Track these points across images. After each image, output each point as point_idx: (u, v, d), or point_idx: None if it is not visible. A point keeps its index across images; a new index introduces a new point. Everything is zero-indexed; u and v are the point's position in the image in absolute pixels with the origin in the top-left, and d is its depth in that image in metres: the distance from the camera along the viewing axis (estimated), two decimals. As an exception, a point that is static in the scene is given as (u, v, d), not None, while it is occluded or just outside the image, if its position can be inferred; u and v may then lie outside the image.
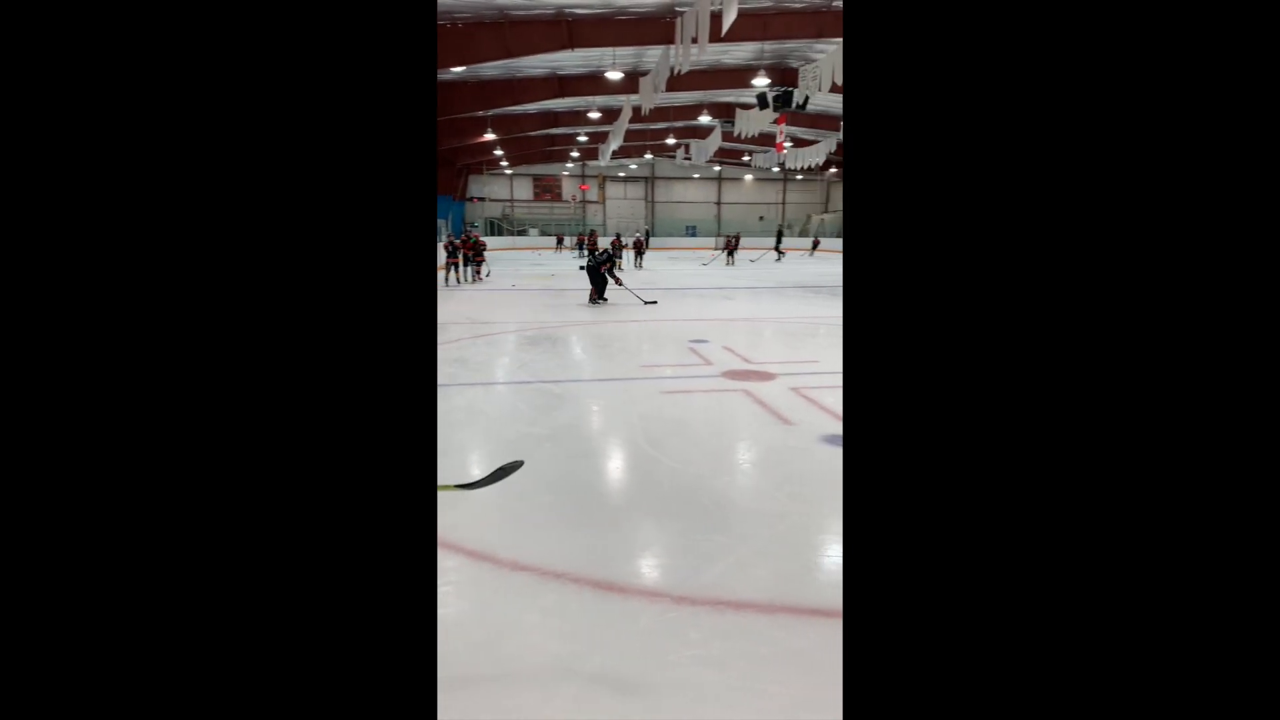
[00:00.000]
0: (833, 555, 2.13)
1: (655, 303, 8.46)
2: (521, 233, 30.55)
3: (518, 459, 1.63)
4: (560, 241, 24.72)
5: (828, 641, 1.62)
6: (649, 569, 2.02)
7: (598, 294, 8.60)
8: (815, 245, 25.67)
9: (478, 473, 2.58)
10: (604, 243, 18.21)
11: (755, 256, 20.58)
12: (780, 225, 21.84)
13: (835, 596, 1.85)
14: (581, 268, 15.73)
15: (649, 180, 33.68)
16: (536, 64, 14.57)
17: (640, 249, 16.31)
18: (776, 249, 21.48)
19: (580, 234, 23.22)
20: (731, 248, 18.24)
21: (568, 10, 11.27)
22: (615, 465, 2.97)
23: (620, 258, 8.74)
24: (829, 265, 17.82)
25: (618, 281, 8.61)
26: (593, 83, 16.08)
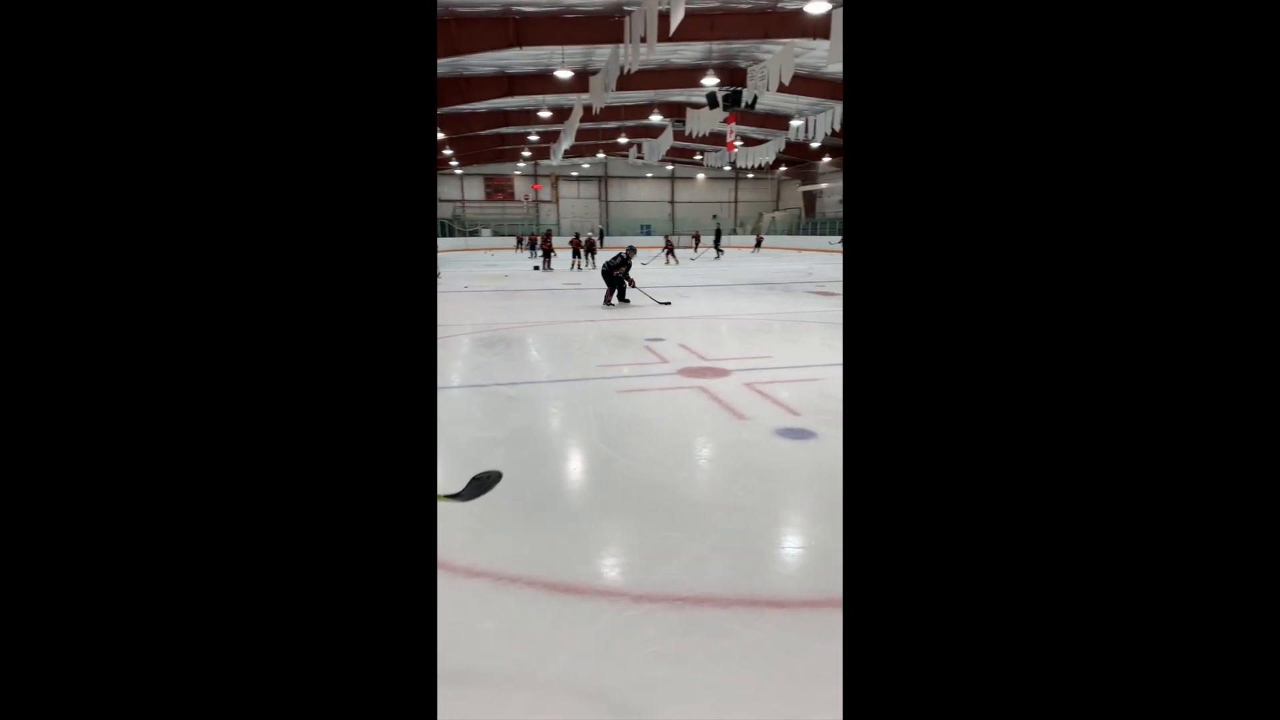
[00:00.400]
0: (788, 546, 2.17)
1: (669, 303, 8.40)
2: (474, 233, 30.10)
3: (495, 469, 1.61)
4: (520, 241, 24.43)
5: (784, 631, 1.65)
6: (607, 569, 2.01)
7: (617, 296, 8.40)
8: (759, 243, 26.15)
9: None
10: (559, 242, 18.06)
11: (695, 255, 20.86)
12: (718, 225, 22.33)
13: (791, 587, 1.88)
14: (535, 268, 15.65)
15: (602, 179, 33.64)
16: (484, 62, 14.36)
17: (592, 249, 16.21)
18: (715, 247, 21.85)
19: (532, 234, 23.01)
20: (671, 247, 18.43)
21: (515, 8, 11.14)
22: (572, 466, 2.96)
23: (631, 262, 8.64)
24: (777, 263, 18.15)
25: (631, 283, 8.45)
26: (542, 81, 15.96)
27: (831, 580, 1.89)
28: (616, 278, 8.36)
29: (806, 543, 2.19)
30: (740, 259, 20.31)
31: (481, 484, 1.52)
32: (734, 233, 32.73)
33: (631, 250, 8.91)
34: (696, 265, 17.12)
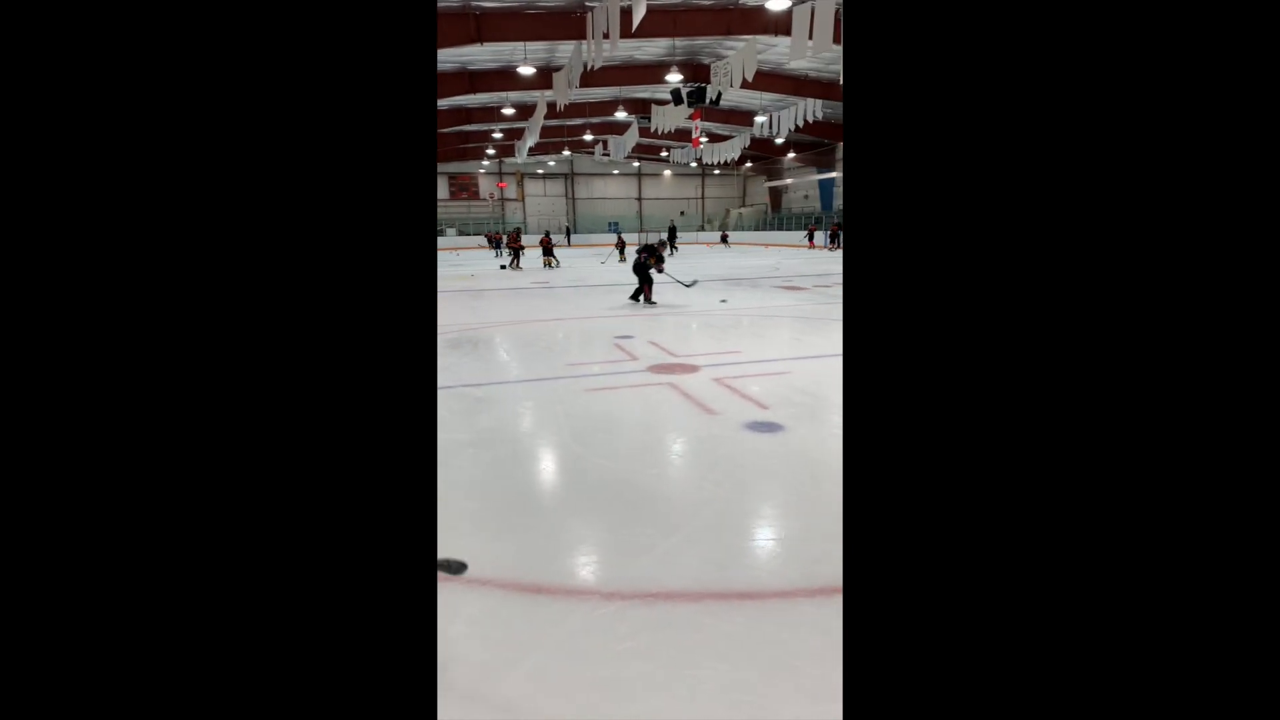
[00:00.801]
0: (759, 538, 2.18)
1: (694, 284, 8.36)
2: (438, 233, 29.61)
3: (461, 561, 1.59)
4: (489, 239, 24.11)
5: (756, 623, 1.66)
6: (577, 568, 2.00)
7: (646, 293, 8.06)
8: (724, 238, 26.44)
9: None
10: (528, 240, 17.88)
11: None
12: (672, 223, 22.85)
13: (762, 578, 1.90)
14: (503, 266, 15.47)
15: (568, 177, 33.46)
16: (445, 58, 14.13)
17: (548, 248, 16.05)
18: (670, 245, 22.12)
19: (498, 232, 22.77)
20: (621, 245, 18.56)
21: (474, 3, 10.99)
22: (541, 466, 2.93)
23: (666, 254, 8.40)
24: (744, 258, 18.30)
25: (659, 269, 8.17)
26: (505, 78, 15.79)
27: (802, 571, 1.91)
28: (642, 263, 8.02)
29: (777, 534, 2.21)
30: (708, 254, 20.43)
31: (443, 568, 1.55)
32: (701, 229, 32.91)
33: (662, 243, 8.51)
34: (673, 262, 17.15)
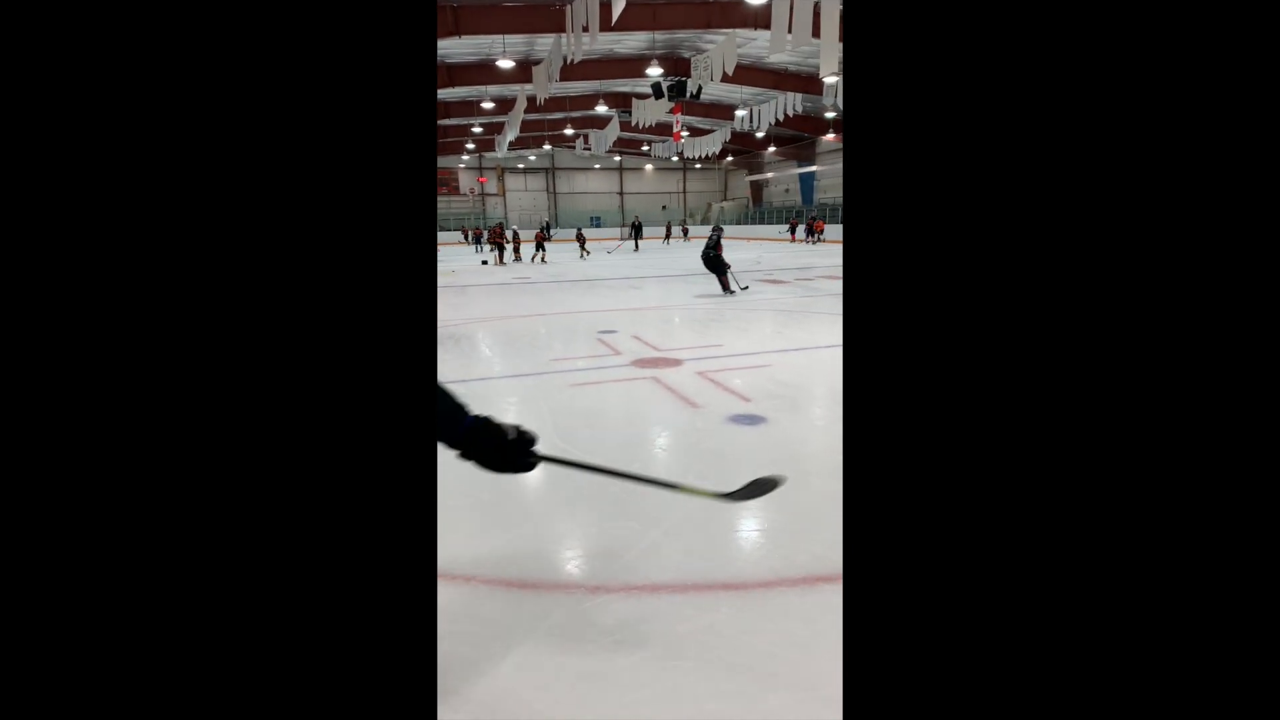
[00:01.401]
0: (742, 530, 2.20)
1: (746, 288, 8.48)
2: (418, 229, 29.32)
3: (775, 477, 1.53)
4: (467, 235, 23.92)
5: (740, 613, 1.68)
6: (562, 563, 2.01)
7: (724, 284, 8.28)
8: (685, 233, 26.86)
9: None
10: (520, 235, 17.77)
11: (611, 248, 21.13)
12: (636, 219, 23.12)
13: (744, 568, 1.92)
14: (484, 262, 15.35)
15: (549, 171, 33.29)
16: (422, 51, 13.93)
17: (518, 242, 15.97)
18: (634, 239, 22.24)
19: (478, 227, 22.58)
20: (582, 240, 18.88)
21: (452, -5, 10.86)
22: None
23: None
24: (726, 252, 18.32)
25: (726, 266, 8.33)
26: (484, 71, 15.65)
27: (785, 561, 1.94)
28: (716, 258, 8.13)
29: (760, 525, 2.23)
30: (688, 247, 20.46)
31: (760, 487, 1.49)
32: (683, 223, 32.97)
33: (720, 230, 8.65)
34: (642, 256, 17.17)
